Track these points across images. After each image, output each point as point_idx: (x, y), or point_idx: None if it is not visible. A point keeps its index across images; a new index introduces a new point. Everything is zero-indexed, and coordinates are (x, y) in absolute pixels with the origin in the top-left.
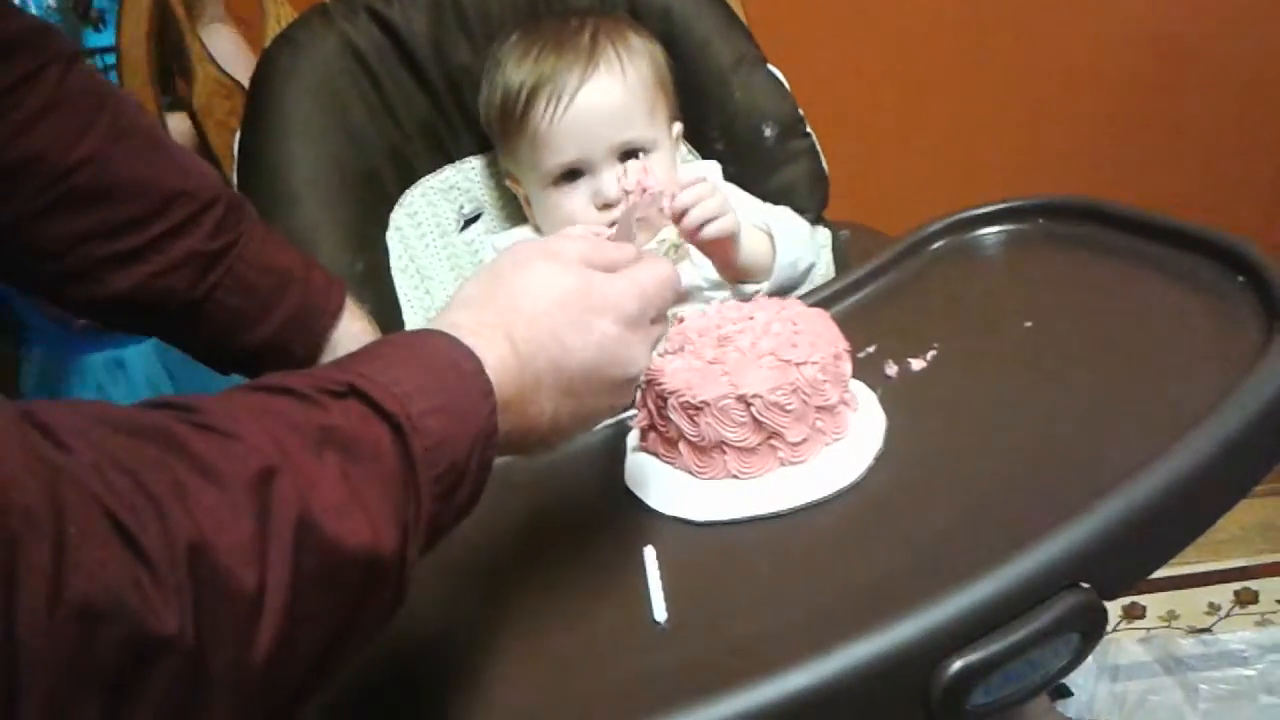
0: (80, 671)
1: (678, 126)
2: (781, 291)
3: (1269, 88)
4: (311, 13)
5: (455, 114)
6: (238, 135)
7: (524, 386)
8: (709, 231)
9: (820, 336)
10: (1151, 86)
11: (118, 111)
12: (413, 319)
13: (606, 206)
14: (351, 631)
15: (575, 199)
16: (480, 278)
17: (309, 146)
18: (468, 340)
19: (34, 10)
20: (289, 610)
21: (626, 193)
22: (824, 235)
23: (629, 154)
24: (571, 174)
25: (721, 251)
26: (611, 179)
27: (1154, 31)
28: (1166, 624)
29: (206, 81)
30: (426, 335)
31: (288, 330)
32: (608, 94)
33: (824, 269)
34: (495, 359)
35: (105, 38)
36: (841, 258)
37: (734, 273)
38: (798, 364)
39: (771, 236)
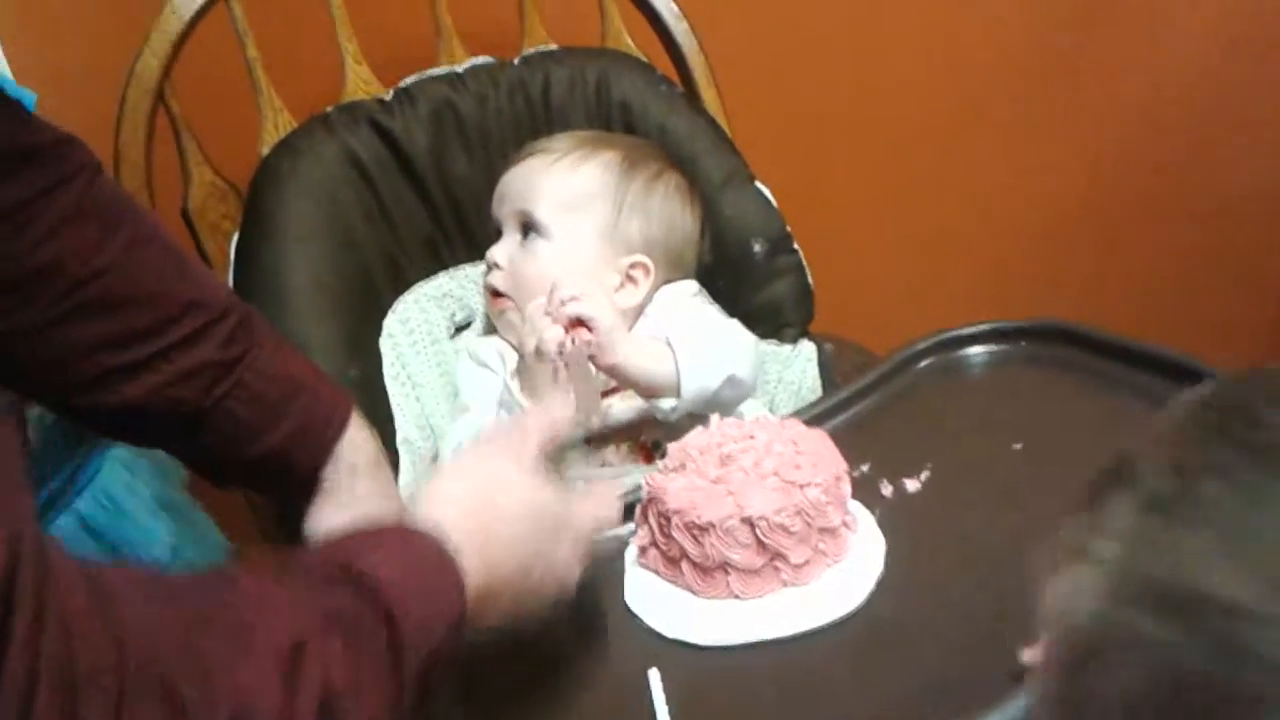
0: None
1: (634, 259)
2: (713, 409)
3: (1252, 214)
4: (313, 121)
5: (451, 223)
6: (234, 239)
7: (488, 592)
8: (569, 309)
9: (821, 457)
10: (1143, 211)
11: (136, 222)
12: (404, 425)
13: (489, 269)
14: None
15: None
16: (462, 477)
17: (307, 252)
18: (449, 540)
19: None
20: None
21: (559, 352)
22: (810, 349)
23: (526, 226)
24: (498, 234)
25: (592, 348)
26: (501, 249)
27: (1147, 156)
28: None
29: (202, 184)
30: (414, 532)
31: (294, 441)
32: (540, 170)
33: (811, 384)
34: (469, 562)
35: None
36: (826, 372)
37: (623, 379)
38: (801, 485)
39: (675, 354)
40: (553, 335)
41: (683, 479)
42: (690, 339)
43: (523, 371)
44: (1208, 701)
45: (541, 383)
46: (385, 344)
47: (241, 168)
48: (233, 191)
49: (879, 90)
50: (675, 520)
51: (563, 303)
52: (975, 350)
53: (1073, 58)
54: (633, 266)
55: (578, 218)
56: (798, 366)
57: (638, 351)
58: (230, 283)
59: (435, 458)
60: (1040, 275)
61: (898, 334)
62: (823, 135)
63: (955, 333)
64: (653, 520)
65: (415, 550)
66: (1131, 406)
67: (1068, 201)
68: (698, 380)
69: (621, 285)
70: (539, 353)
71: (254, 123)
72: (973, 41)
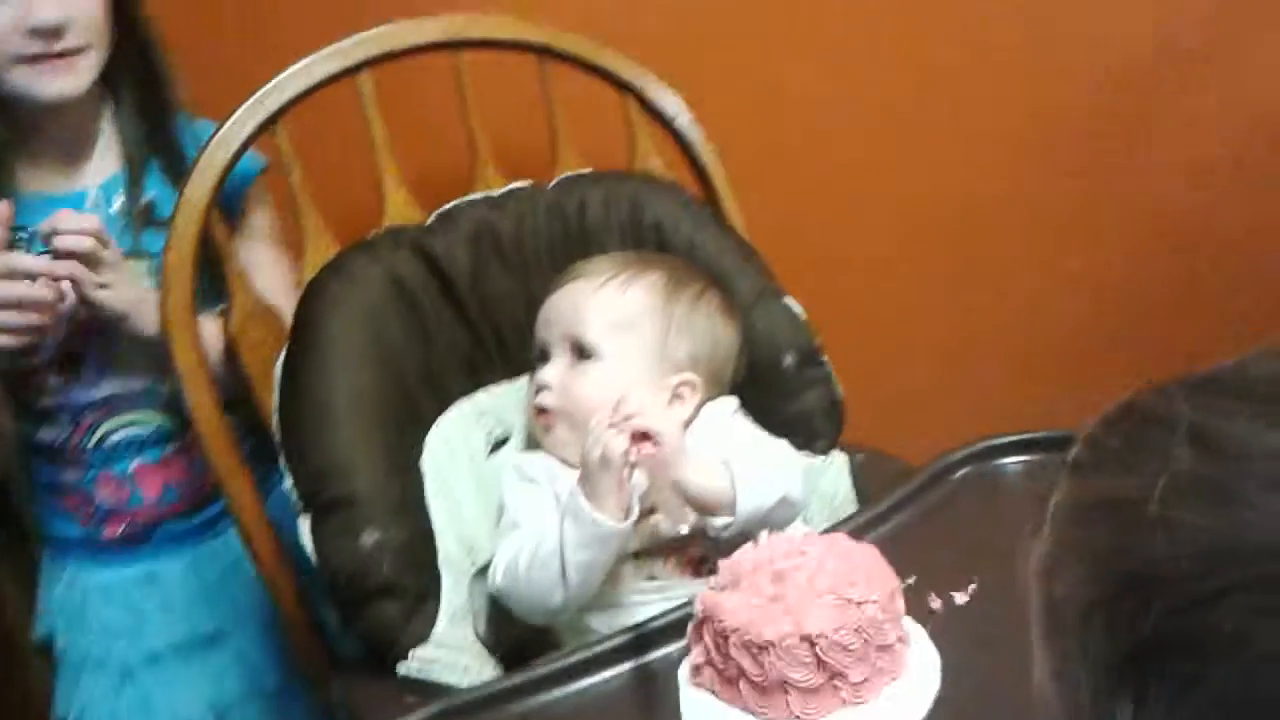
0: None
1: (682, 377)
2: (764, 527)
3: None
4: (358, 246)
5: (490, 341)
6: (280, 359)
7: None
8: (636, 423)
9: (875, 573)
10: (1183, 306)
11: None
12: (446, 544)
13: (538, 390)
14: None
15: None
16: None
17: (352, 372)
18: None
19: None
20: None
21: (631, 463)
22: (842, 460)
23: (577, 349)
24: (544, 356)
25: (655, 461)
26: (552, 370)
27: (1185, 252)
28: None
29: (244, 306)
30: None
31: None
32: (587, 292)
33: (844, 494)
34: None
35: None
36: (859, 482)
37: (685, 497)
38: (858, 603)
39: (731, 472)
40: (618, 445)
41: (738, 596)
42: (746, 459)
43: (586, 480)
44: (1124, 570)
45: (605, 490)
46: (427, 462)
47: None
48: (274, 315)
49: (901, 200)
50: (733, 639)
51: (627, 416)
52: (1012, 460)
53: (1095, 160)
54: (680, 385)
55: (627, 338)
56: (830, 477)
57: (697, 469)
58: (275, 402)
59: (479, 574)
60: (1077, 378)
61: (930, 442)
62: (847, 245)
63: (991, 442)
64: (708, 639)
65: None
66: None
67: (1104, 300)
68: (753, 500)
69: (670, 403)
70: (604, 461)
71: (297, 246)
72: (991, 147)
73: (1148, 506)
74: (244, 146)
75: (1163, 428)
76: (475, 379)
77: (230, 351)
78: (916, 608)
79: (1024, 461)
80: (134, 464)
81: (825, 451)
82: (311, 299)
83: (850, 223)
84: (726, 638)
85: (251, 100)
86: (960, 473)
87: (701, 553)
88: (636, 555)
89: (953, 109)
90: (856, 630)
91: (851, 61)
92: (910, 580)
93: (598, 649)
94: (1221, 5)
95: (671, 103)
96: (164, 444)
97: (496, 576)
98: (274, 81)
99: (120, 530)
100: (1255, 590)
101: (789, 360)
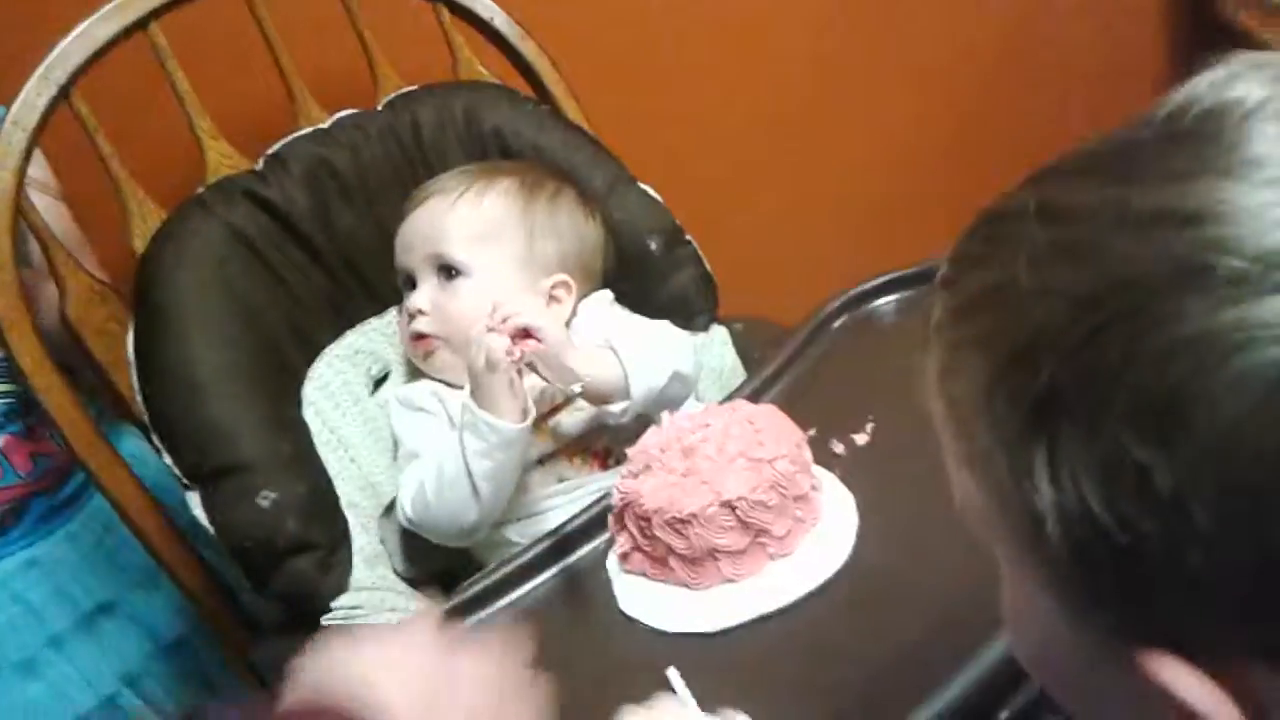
0: None
1: (555, 279)
2: (661, 408)
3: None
4: (188, 206)
5: (349, 279)
6: (130, 340)
7: None
8: (515, 321)
9: (778, 429)
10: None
11: None
12: (346, 490)
13: (411, 317)
14: None
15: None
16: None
17: (210, 338)
18: None
19: None
20: None
21: (516, 361)
22: (722, 333)
23: (444, 268)
24: (410, 282)
25: (542, 356)
26: (422, 295)
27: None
28: None
29: (80, 290)
30: None
31: None
32: (442, 210)
33: (731, 365)
34: None
35: None
36: (743, 352)
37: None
38: (769, 460)
39: (620, 356)
40: (500, 345)
41: (653, 478)
42: (631, 341)
43: (477, 390)
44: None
45: (497, 393)
46: (309, 413)
47: (118, 267)
48: (113, 293)
49: (729, 73)
50: (656, 519)
51: (505, 318)
52: (881, 301)
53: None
54: (554, 286)
55: (492, 249)
56: (715, 351)
57: (585, 359)
58: (135, 384)
59: (386, 512)
60: (916, 211)
61: (801, 302)
62: (683, 125)
63: (862, 287)
64: (631, 525)
65: None
66: None
67: (924, 135)
68: (645, 380)
69: (548, 305)
70: (490, 364)
71: (118, 220)
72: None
73: (1017, 284)
74: (40, 125)
75: (1014, 219)
76: (341, 320)
77: (74, 338)
78: (823, 456)
79: (895, 300)
80: (1, 439)
81: (706, 327)
82: (151, 271)
83: (682, 102)
84: (649, 520)
85: (36, 75)
86: (838, 322)
87: (606, 445)
88: (542, 461)
89: None
90: (772, 487)
91: None
92: (812, 431)
93: (521, 560)
94: None
95: (483, 4)
96: (27, 415)
97: (406, 509)
98: (56, 51)
99: None
100: (1133, 317)
101: (654, 244)
